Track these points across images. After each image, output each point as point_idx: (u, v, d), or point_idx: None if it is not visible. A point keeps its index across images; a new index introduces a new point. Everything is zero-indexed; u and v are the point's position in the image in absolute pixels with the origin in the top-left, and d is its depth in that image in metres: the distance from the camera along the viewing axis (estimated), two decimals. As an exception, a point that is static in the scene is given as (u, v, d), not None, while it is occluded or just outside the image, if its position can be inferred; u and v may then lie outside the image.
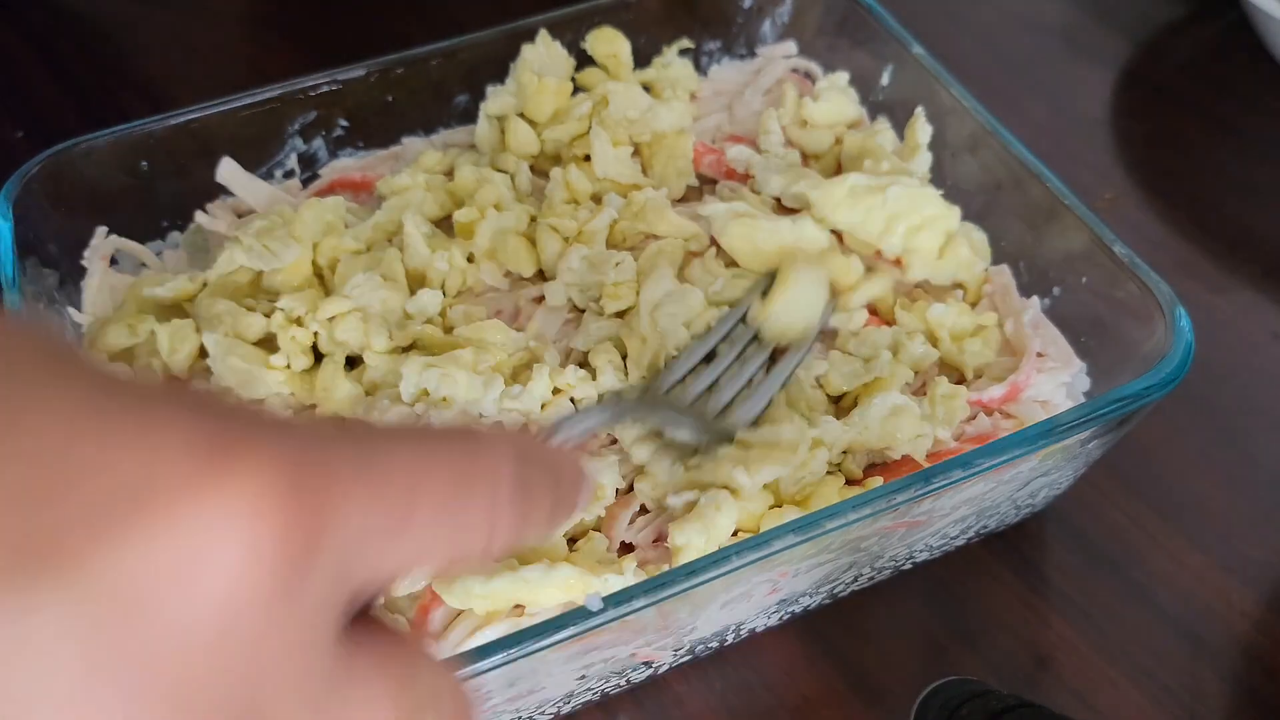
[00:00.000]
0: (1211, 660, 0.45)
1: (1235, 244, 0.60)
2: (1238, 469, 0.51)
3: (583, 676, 0.39)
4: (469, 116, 0.57)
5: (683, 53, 0.59)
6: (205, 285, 0.48)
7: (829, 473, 0.42)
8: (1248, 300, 0.58)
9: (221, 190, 0.53)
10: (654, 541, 0.41)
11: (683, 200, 0.54)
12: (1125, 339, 0.45)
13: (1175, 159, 0.65)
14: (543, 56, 0.56)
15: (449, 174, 0.54)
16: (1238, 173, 0.64)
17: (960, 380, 0.47)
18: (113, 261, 0.49)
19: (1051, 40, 0.72)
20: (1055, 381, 0.47)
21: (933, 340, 0.47)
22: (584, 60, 0.57)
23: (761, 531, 0.37)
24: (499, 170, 0.53)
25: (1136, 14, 0.74)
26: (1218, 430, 0.52)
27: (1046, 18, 0.74)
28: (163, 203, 0.52)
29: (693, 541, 0.38)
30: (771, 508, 0.40)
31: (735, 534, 0.40)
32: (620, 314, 0.47)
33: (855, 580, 0.44)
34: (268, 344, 0.46)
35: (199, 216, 0.52)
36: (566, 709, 0.42)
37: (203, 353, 0.46)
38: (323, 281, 0.49)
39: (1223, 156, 0.65)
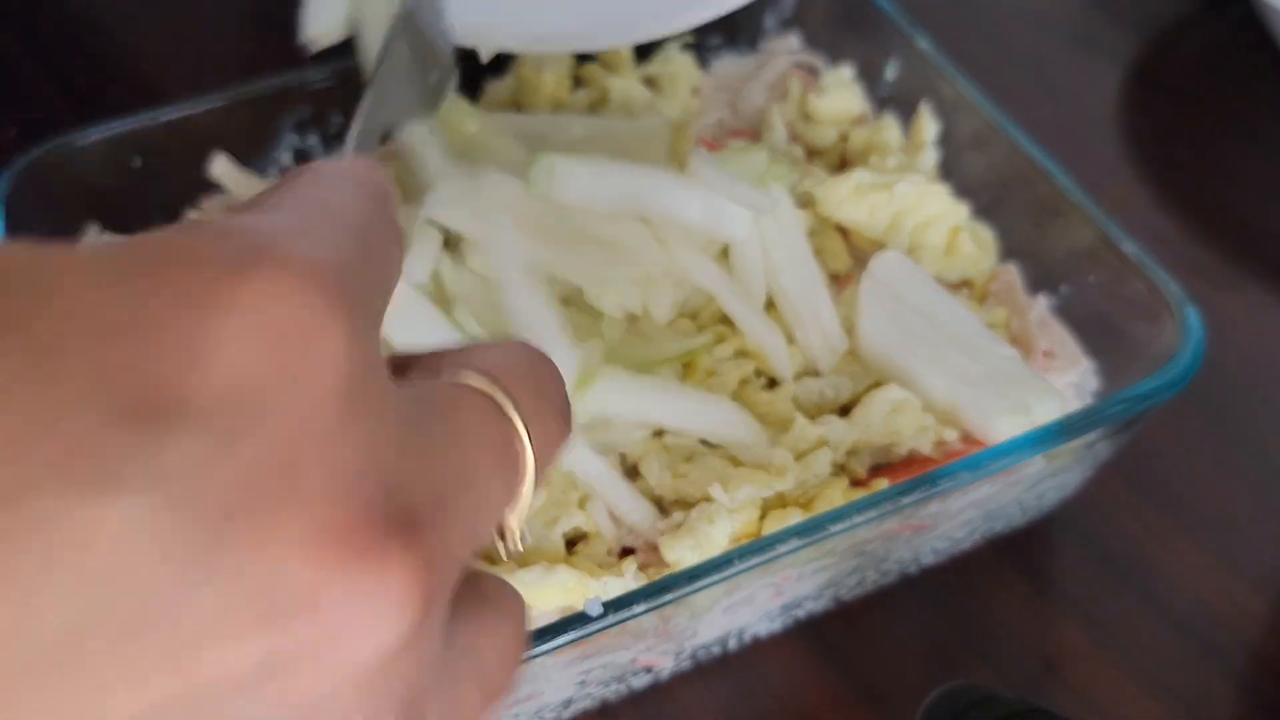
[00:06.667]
0: (1221, 665, 0.44)
1: (1246, 243, 0.60)
2: (1249, 471, 0.50)
3: (582, 682, 0.38)
4: (468, 112, 0.56)
5: (685, 47, 0.58)
6: None
7: (833, 474, 0.42)
8: (1260, 299, 0.57)
9: (215, 186, 0.52)
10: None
11: (685, 196, 0.53)
12: (1135, 338, 0.44)
13: (1185, 156, 0.64)
14: (543, 51, 0.55)
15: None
16: (1249, 170, 0.64)
17: (966, 379, 0.46)
18: (106, 259, 0.49)
19: (1059, 36, 0.72)
20: (1063, 381, 0.46)
21: (938, 339, 0.47)
22: (584, 54, 0.57)
23: (765, 535, 0.37)
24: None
25: (1145, 10, 0.73)
26: (1228, 431, 0.51)
27: (1054, 13, 0.73)
28: (156, 199, 0.51)
29: (684, 558, 0.38)
30: (775, 509, 0.40)
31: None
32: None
33: (860, 585, 0.44)
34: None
35: (192, 215, 0.51)
36: (566, 715, 0.41)
37: None
38: None
39: (1233, 154, 0.65)
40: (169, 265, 0.14)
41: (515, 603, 0.19)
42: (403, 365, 0.19)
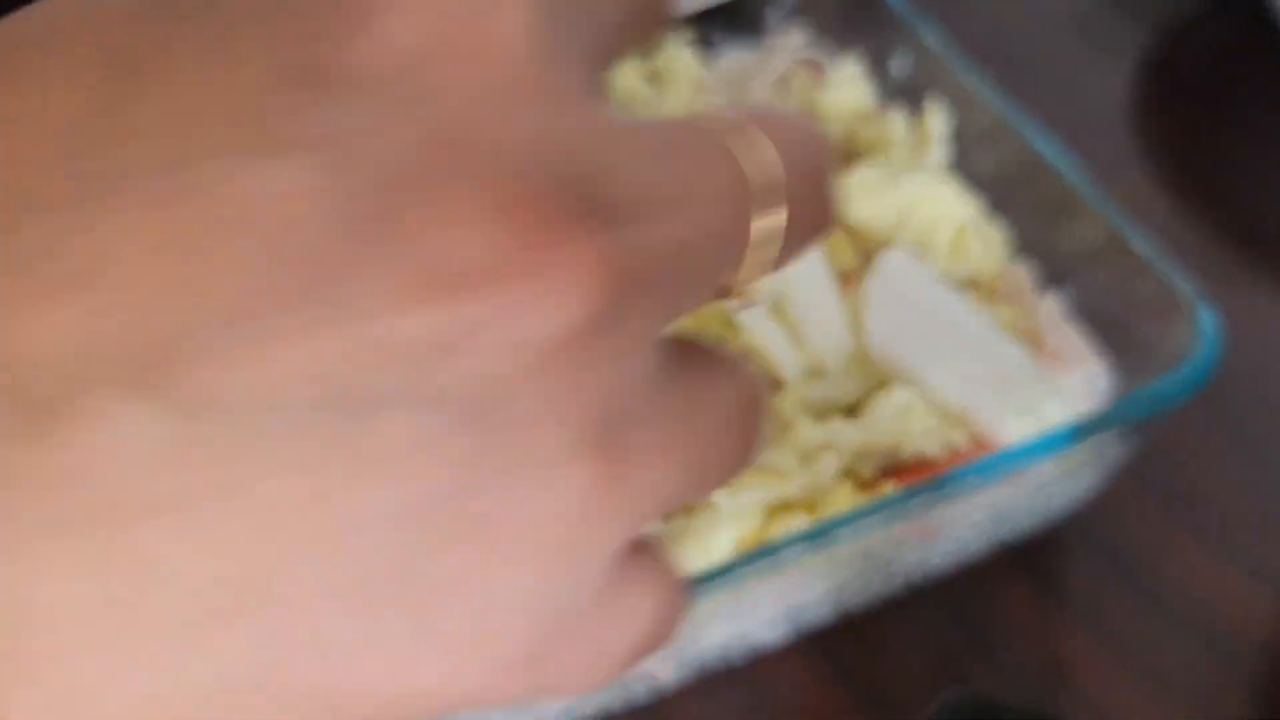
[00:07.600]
0: (1235, 673, 0.44)
1: (1262, 241, 0.59)
2: (1264, 475, 0.49)
3: (581, 690, 0.38)
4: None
5: (688, 42, 0.58)
6: None
7: (839, 477, 0.41)
8: (1276, 299, 0.56)
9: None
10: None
11: (688, 193, 0.53)
12: (1147, 339, 0.44)
13: (1198, 153, 0.64)
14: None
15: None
16: (1263, 167, 0.63)
17: (975, 380, 0.46)
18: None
19: (1065, 31, 0.71)
20: (1073, 382, 0.46)
21: (946, 339, 0.46)
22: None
23: (770, 541, 0.36)
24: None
25: (1157, 4, 0.73)
26: (1243, 434, 0.51)
27: (1059, 8, 0.73)
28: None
29: (687, 565, 0.37)
30: (779, 512, 0.39)
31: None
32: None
33: (866, 591, 0.43)
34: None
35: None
36: (565, 723, 0.40)
37: None
38: None
39: (1248, 151, 0.64)
40: None
41: (745, 368, 0.17)
42: None
